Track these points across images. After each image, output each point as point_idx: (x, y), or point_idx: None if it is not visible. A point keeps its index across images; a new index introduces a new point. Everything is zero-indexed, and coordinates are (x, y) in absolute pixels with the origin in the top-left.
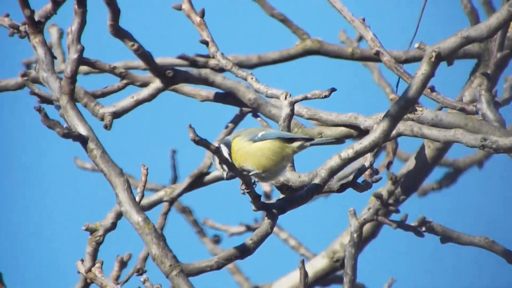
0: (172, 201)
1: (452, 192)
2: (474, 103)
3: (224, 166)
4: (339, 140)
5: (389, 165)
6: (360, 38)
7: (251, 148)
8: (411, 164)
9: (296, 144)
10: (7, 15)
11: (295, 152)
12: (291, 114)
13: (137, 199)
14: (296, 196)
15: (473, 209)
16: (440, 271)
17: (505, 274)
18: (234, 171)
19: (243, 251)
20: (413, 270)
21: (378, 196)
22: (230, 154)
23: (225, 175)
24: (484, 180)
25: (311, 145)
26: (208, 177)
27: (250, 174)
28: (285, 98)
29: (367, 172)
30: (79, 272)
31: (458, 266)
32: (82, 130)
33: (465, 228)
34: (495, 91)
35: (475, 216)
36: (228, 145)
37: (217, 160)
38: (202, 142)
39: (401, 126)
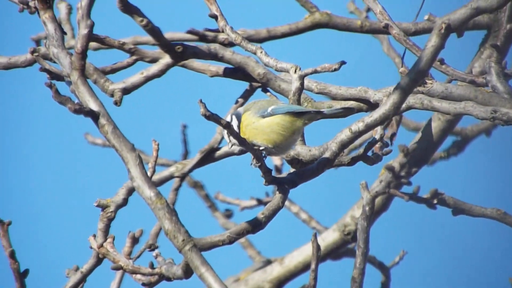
0: (183, 177)
1: (460, 161)
2: (484, 75)
3: (232, 138)
4: (348, 110)
5: (392, 136)
6: (369, 9)
7: (260, 124)
8: (421, 135)
9: (306, 116)
10: None
11: (305, 125)
12: (301, 88)
13: (149, 174)
14: (306, 170)
15: (481, 177)
16: (451, 243)
17: None
18: (245, 145)
19: (255, 225)
20: (425, 243)
21: (390, 169)
22: (239, 127)
23: (230, 146)
24: (492, 149)
25: (321, 117)
26: (219, 152)
27: (260, 148)
28: (295, 71)
29: (377, 145)
30: (91, 248)
31: (469, 238)
32: (93, 105)
33: (473, 196)
34: (504, 63)
35: (483, 185)
36: (239, 118)
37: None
38: (213, 117)
39: (411, 99)
